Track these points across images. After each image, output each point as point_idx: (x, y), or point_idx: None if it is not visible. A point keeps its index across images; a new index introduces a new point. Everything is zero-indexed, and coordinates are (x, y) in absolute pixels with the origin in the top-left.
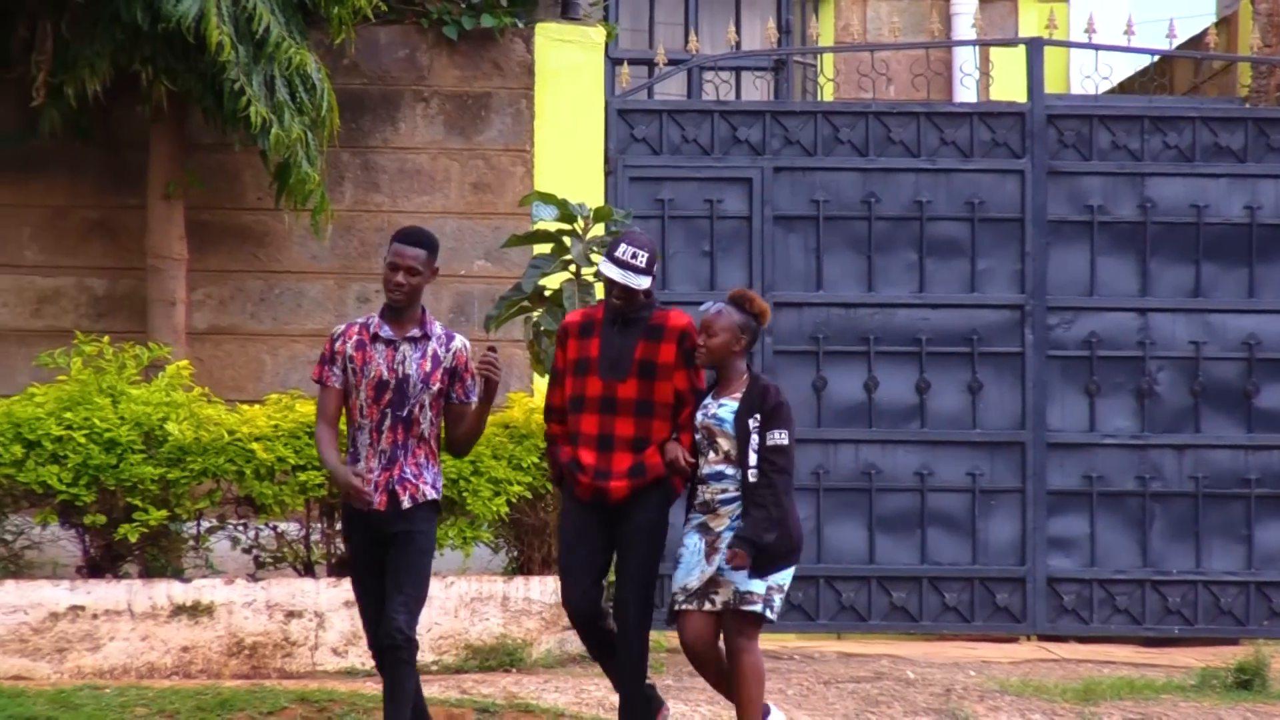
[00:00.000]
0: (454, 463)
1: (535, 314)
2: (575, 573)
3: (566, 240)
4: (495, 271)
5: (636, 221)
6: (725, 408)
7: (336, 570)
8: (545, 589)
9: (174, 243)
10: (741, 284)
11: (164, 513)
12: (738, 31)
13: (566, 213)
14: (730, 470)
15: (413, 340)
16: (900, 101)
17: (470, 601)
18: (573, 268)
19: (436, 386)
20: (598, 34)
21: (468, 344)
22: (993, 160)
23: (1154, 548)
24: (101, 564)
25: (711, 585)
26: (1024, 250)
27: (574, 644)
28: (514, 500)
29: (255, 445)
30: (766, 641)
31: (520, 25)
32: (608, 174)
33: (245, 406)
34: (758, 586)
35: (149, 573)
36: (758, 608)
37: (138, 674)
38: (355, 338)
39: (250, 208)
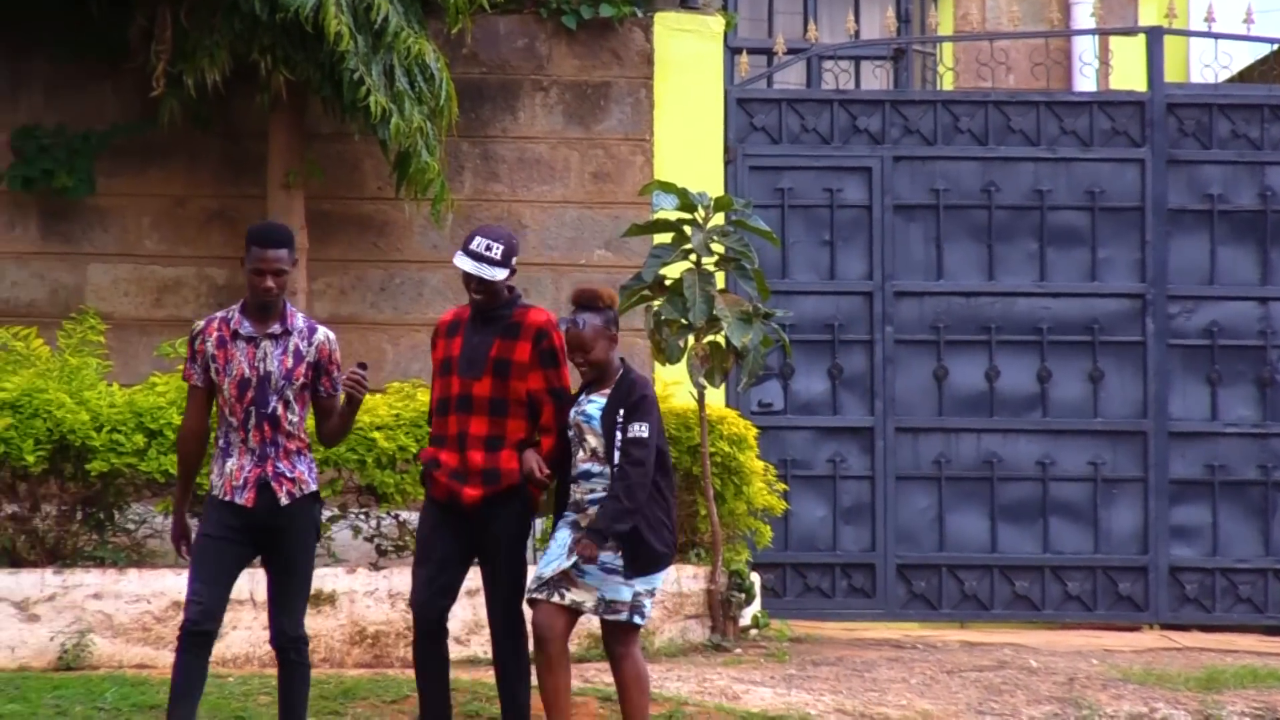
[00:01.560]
0: None
1: (656, 303)
2: (423, 579)
3: (687, 229)
4: (615, 261)
5: (756, 210)
6: (594, 404)
7: None
8: (667, 578)
9: (294, 232)
10: (862, 274)
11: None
12: (857, 20)
13: (687, 202)
14: (597, 468)
15: (273, 336)
16: (1020, 90)
17: None
18: (693, 257)
19: (300, 382)
20: (717, 23)
21: (331, 336)
22: (1112, 149)
23: (1276, 537)
24: None
25: (566, 580)
26: (1144, 239)
27: (696, 633)
28: None
29: (377, 434)
30: (890, 630)
31: (639, 15)
32: (727, 163)
33: (366, 396)
34: (623, 594)
35: None
36: (622, 616)
37: (260, 663)
38: (215, 334)
39: (370, 197)
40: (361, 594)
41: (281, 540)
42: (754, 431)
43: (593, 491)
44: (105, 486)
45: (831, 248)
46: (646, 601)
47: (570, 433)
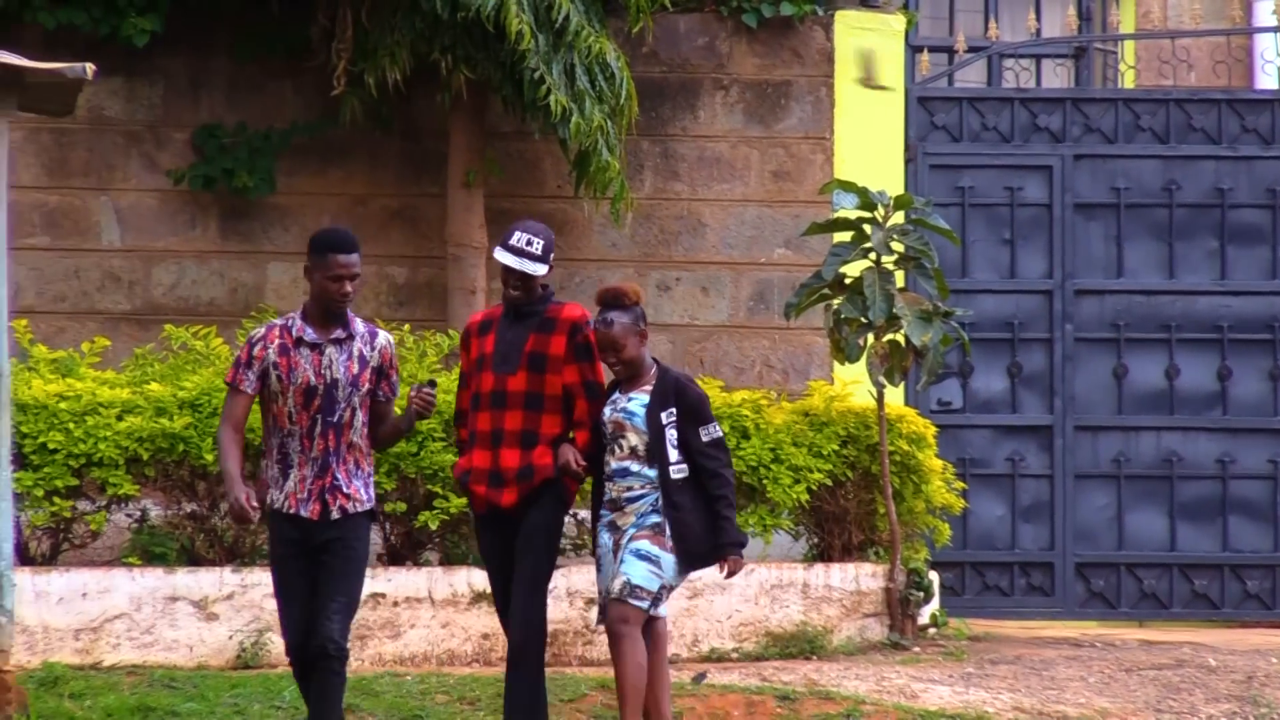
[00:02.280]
0: (754, 449)
1: (836, 302)
2: (503, 602)
3: (867, 228)
4: (795, 259)
5: (936, 209)
6: (635, 401)
7: None
8: (846, 576)
9: (474, 231)
10: (1042, 272)
11: (464, 500)
12: (1038, 19)
13: (867, 200)
14: (637, 467)
15: (338, 342)
16: (1201, 89)
17: (770, 589)
18: (873, 255)
19: (365, 388)
20: (898, 21)
21: (390, 339)
22: None
23: None
24: (402, 552)
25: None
26: None
27: (875, 631)
28: (814, 487)
29: None
30: (1068, 629)
31: (820, 13)
32: (908, 161)
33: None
34: (651, 583)
35: (449, 560)
36: (644, 604)
37: (438, 661)
38: (277, 342)
39: (550, 196)
40: None
41: (332, 550)
42: (933, 430)
43: (630, 490)
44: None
45: (1011, 246)
46: (666, 595)
47: (606, 429)
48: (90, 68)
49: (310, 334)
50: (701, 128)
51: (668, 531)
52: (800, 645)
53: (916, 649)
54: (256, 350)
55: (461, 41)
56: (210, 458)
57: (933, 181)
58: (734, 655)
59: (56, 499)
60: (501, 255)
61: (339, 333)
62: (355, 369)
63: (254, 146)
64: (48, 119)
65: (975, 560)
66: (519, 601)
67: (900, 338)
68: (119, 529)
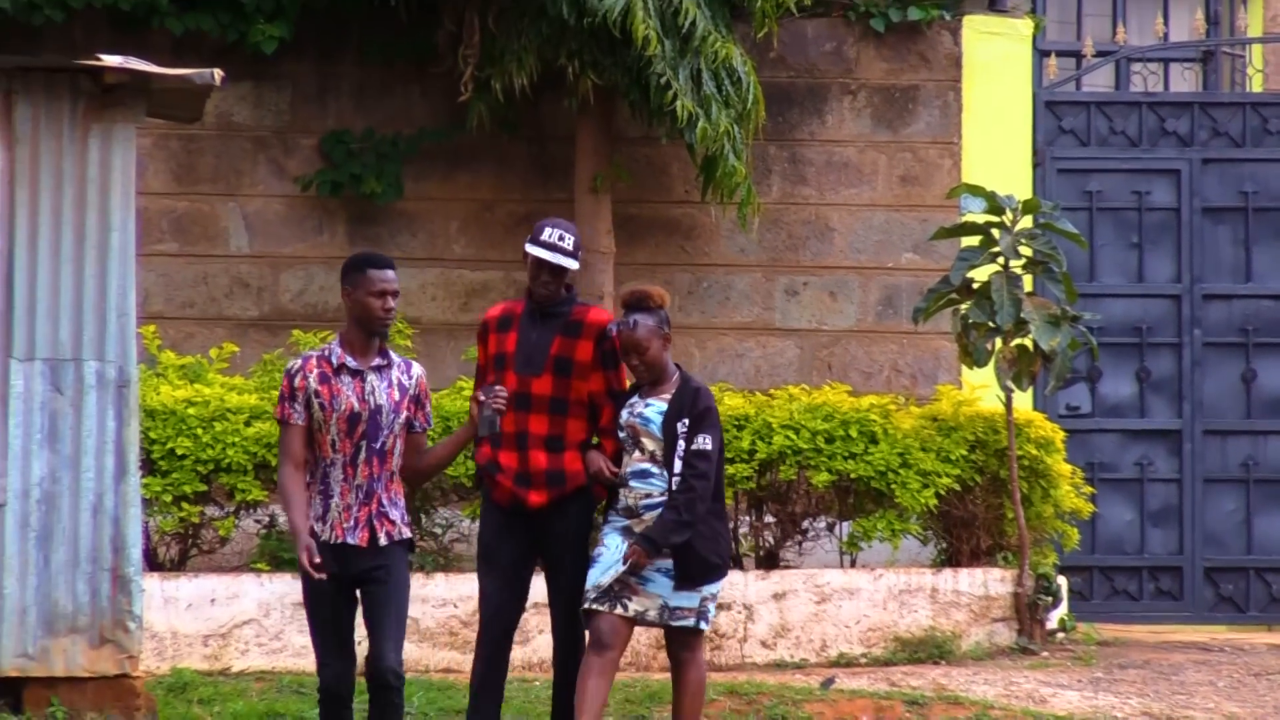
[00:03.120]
0: (882, 454)
1: (963, 306)
2: (493, 589)
3: (995, 232)
4: (923, 264)
5: (1064, 213)
6: (652, 408)
7: (765, 563)
8: (974, 581)
9: (601, 236)
10: (1170, 276)
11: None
12: (1165, 22)
13: (994, 205)
14: (656, 470)
15: (378, 369)
16: None
17: (899, 594)
18: (1001, 260)
19: (404, 415)
20: (1025, 26)
21: (424, 372)
22: None
23: None
24: None
25: (627, 590)
26: None
27: (1003, 636)
28: (942, 492)
29: None
30: (1197, 633)
31: (948, 18)
32: (1035, 166)
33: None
34: (688, 600)
35: None
36: (689, 622)
37: None
38: (317, 371)
39: (677, 201)
40: None
41: (378, 579)
42: (1061, 434)
43: (649, 496)
44: (412, 490)
45: (1139, 250)
46: (711, 606)
47: (621, 434)
48: (218, 74)
49: (352, 361)
50: (829, 132)
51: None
52: (928, 650)
53: (1045, 654)
54: (297, 381)
55: (588, 47)
56: None
57: (1060, 186)
58: (862, 660)
59: (185, 504)
60: (534, 250)
61: (377, 360)
62: (396, 396)
63: (381, 152)
64: (176, 125)
65: (1104, 565)
66: (562, 618)
67: (1028, 342)
68: (247, 534)
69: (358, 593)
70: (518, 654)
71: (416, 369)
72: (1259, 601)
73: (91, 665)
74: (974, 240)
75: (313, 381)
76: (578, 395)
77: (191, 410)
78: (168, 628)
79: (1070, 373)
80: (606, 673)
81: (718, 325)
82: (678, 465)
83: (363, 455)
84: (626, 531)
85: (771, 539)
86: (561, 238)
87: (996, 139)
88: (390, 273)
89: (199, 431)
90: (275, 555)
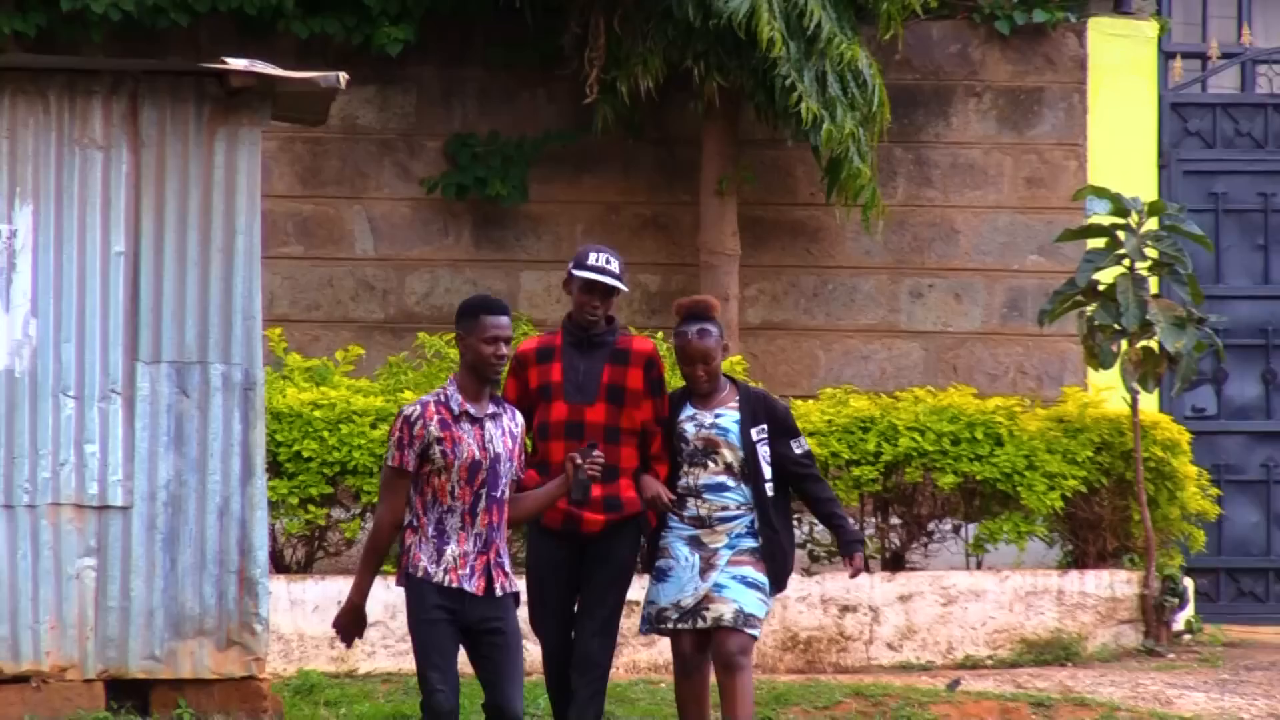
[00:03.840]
0: (1008, 456)
1: (1089, 308)
2: (553, 627)
3: (1120, 234)
4: (1048, 266)
5: (1189, 215)
6: (726, 418)
7: (891, 565)
8: (1100, 583)
9: (727, 238)
10: None
11: None
12: None
13: (1120, 207)
14: (733, 483)
15: (494, 417)
16: None
17: (1025, 596)
18: (1126, 262)
19: (516, 463)
20: (1150, 28)
21: (523, 421)
22: None
23: None
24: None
25: (705, 601)
26: None
27: (1129, 638)
28: (1068, 494)
29: (810, 441)
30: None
31: (1073, 20)
32: (1160, 168)
33: (799, 402)
34: (761, 611)
35: None
36: (756, 631)
37: None
38: (437, 418)
39: (802, 203)
40: (794, 600)
41: (498, 627)
42: (1187, 436)
43: (725, 509)
44: None
45: (1265, 252)
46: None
47: (688, 448)
48: (343, 77)
49: (472, 408)
50: (954, 134)
51: (759, 555)
52: (1055, 652)
53: (1171, 655)
54: (416, 429)
55: (713, 49)
56: None
57: (1185, 187)
58: (988, 662)
59: (311, 507)
60: (583, 273)
61: (492, 408)
62: (510, 444)
63: (506, 155)
64: (301, 128)
65: (1230, 566)
66: (594, 642)
67: (1154, 344)
68: None
69: (464, 640)
70: (643, 656)
71: (519, 416)
72: None
73: (218, 667)
74: (1099, 242)
75: (434, 429)
76: (630, 423)
77: (317, 413)
78: (294, 630)
79: (1196, 375)
80: (704, 693)
81: (843, 327)
82: (767, 471)
83: (482, 504)
84: (694, 542)
85: (897, 541)
86: (608, 261)
87: (1122, 141)
88: (504, 319)
89: (325, 434)
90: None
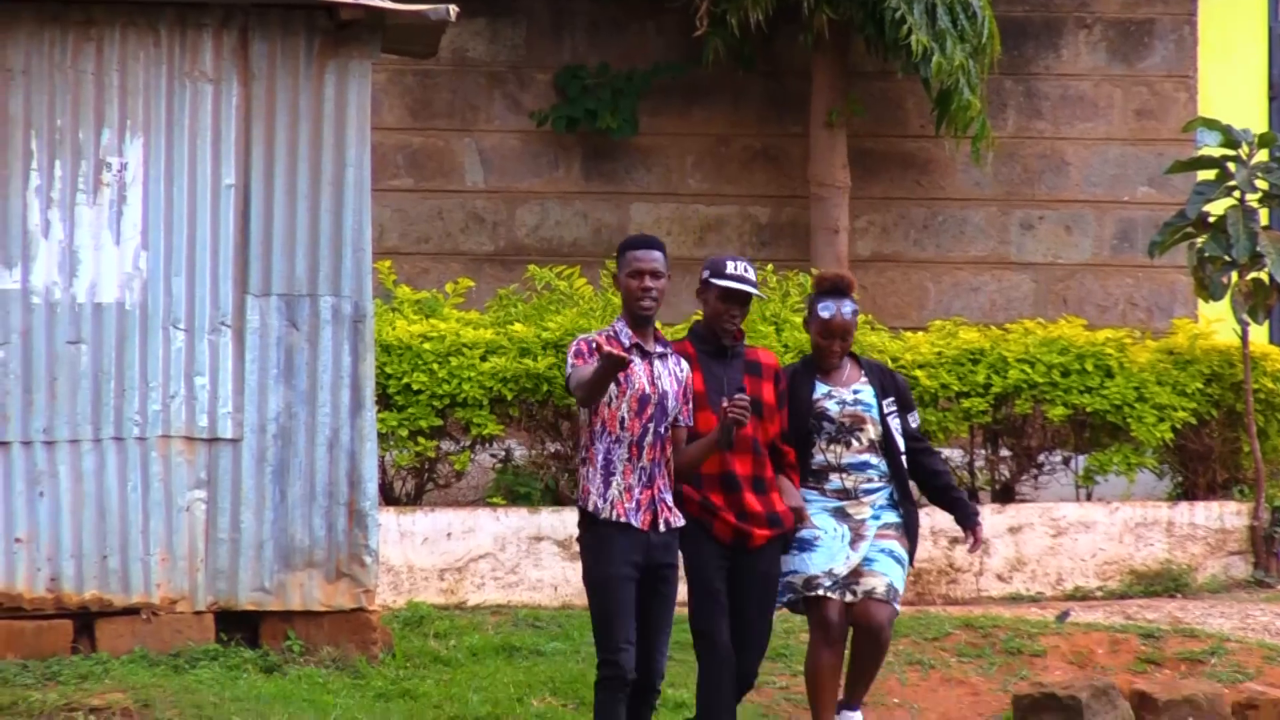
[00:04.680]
0: (1118, 388)
1: (1199, 240)
2: (723, 627)
3: (1231, 166)
4: (1158, 198)
5: None
6: (864, 393)
7: (1000, 497)
8: (1210, 514)
9: (836, 171)
10: None
11: None
12: None
13: (1230, 139)
14: (875, 459)
15: (661, 356)
16: None
17: (1134, 527)
18: (1236, 194)
19: (679, 405)
20: None
21: (689, 369)
22: None
23: None
24: None
25: (854, 575)
26: None
27: (1239, 569)
28: (1178, 425)
29: (919, 372)
30: None
31: None
32: (1271, 99)
33: (908, 334)
34: (903, 585)
35: None
36: (898, 605)
37: None
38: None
39: (912, 135)
40: None
41: (666, 579)
42: None
43: (870, 481)
44: None
45: None
46: None
47: (829, 426)
48: (453, 9)
49: (642, 343)
50: (1064, 66)
51: (901, 529)
52: (1164, 583)
53: None
54: (595, 347)
55: None
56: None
57: None
58: (1097, 594)
59: (421, 439)
60: (723, 282)
61: (658, 348)
62: (675, 386)
63: (616, 87)
64: (411, 60)
65: None
66: (759, 641)
67: (1264, 276)
68: (483, 469)
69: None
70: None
71: (685, 364)
72: None
73: (328, 599)
74: (1209, 174)
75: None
76: (767, 435)
77: (427, 345)
78: (404, 562)
79: None
80: (840, 665)
81: (953, 259)
82: (900, 443)
83: (649, 438)
84: (839, 513)
85: (1007, 473)
86: (745, 269)
87: (1232, 72)
88: (652, 252)
89: (434, 366)
90: (511, 490)
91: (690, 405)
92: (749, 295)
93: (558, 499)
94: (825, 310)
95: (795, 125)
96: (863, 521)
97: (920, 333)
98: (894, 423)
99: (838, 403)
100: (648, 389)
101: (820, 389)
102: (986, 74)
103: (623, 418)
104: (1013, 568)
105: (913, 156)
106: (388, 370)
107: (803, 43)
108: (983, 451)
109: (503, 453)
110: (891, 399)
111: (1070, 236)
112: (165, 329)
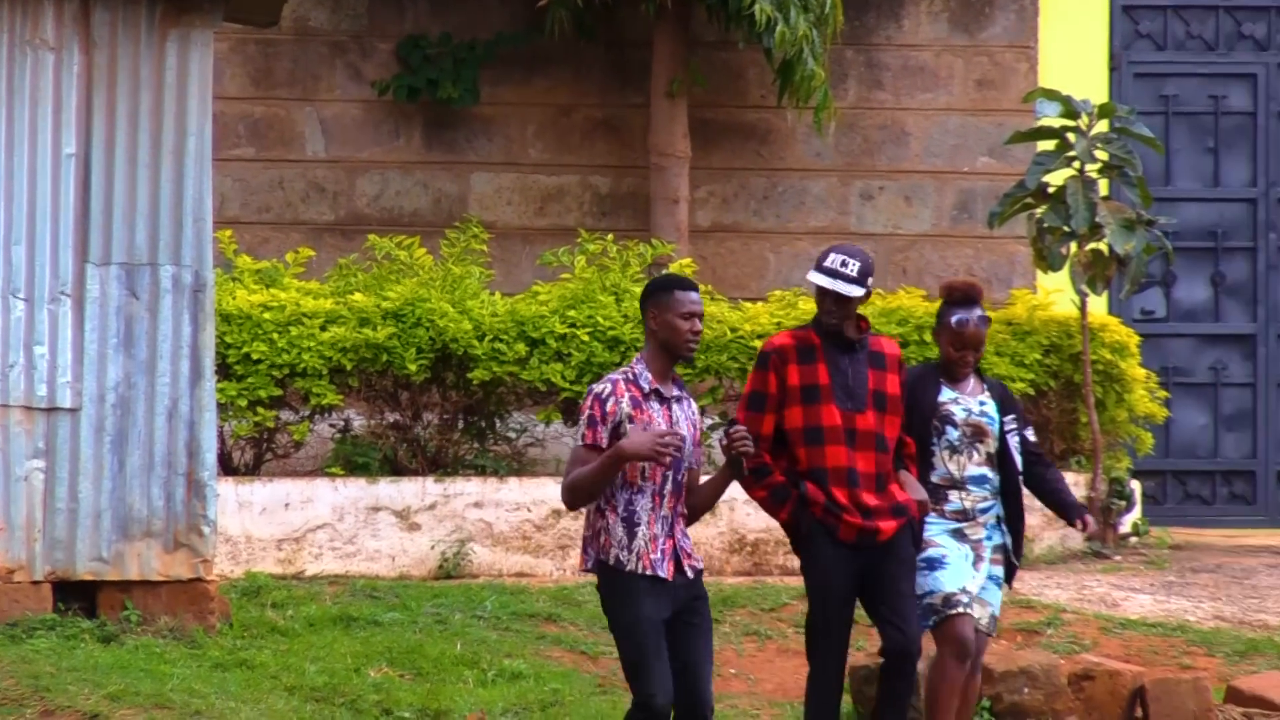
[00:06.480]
0: None
1: (1038, 211)
2: (839, 637)
3: (1071, 136)
4: (998, 168)
5: (1139, 117)
6: (989, 405)
7: None
8: None
9: (677, 141)
10: (1246, 181)
11: None
12: None
13: (1070, 109)
14: (991, 474)
15: (679, 400)
16: None
17: None
18: (1076, 164)
19: (696, 450)
20: None
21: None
22: None
23: None
24: None
25: (974, 599)
26: None
27: (1076, 540)
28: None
29: (758, 343)
30: (1270, 537)
31: None
32: (1111, 70)
33: (748, 304)
34: (999, 609)
35: None
36: (994, 631)
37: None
38: (628, 395)
39: (753, 105)
40: (741, 502)
41: (698, 611)
42: (1136, 339)
43: (985, 500)
44: (486, 395)
45: (1215, 154)
46: None
47: (953, 432)
48: None
49: (661, 388)
50: (906, 36)
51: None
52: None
53: (1118, 558)
54: (609, 406)
55: None
56: (414, 368)
57: (1136, 90)
58: None
59: (260, 409)
60: (815, 276)
61: (676, 391)
62: (692, 430)
63: (458, 57)
64: (253, 29)
65: (1177, 469)
66: (910, 616)
67: (1103, 246)
68: (322, 439)
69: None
70: None
71: (694, 404)
72: None
73: (165, 569)
74: (1050, 144)
75: (625, 406)
76: (892, 431)
77: (267, 315)
78: (242, 532)
79: (1145, 277)
80: (964, 682)
81: (793, 230)
82: (1019, 460)
83: (669, 486)
84: (959, 535)
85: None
86: (845, 263)
87: (1073, 43)
88: (696, 294)
89: (274, 336)
90: (349, 460)
91: (700, 448)
92: (847, 295)
93: (396, 469)
94: (958, 321)
95: (637, 95)
96: (979, 541)
97: (760, 303)
98: (1013, 440)
99: (964, 410)
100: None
101: (947, 393)
102: (829, 44)
103: (644, 468)
104: None
105: (753, 127)
106: (227, 340)
107: (645, 12)
108: None
109: (342, 423)
110: (1012, 415)
111: (910, 207)
112: (4, 298)
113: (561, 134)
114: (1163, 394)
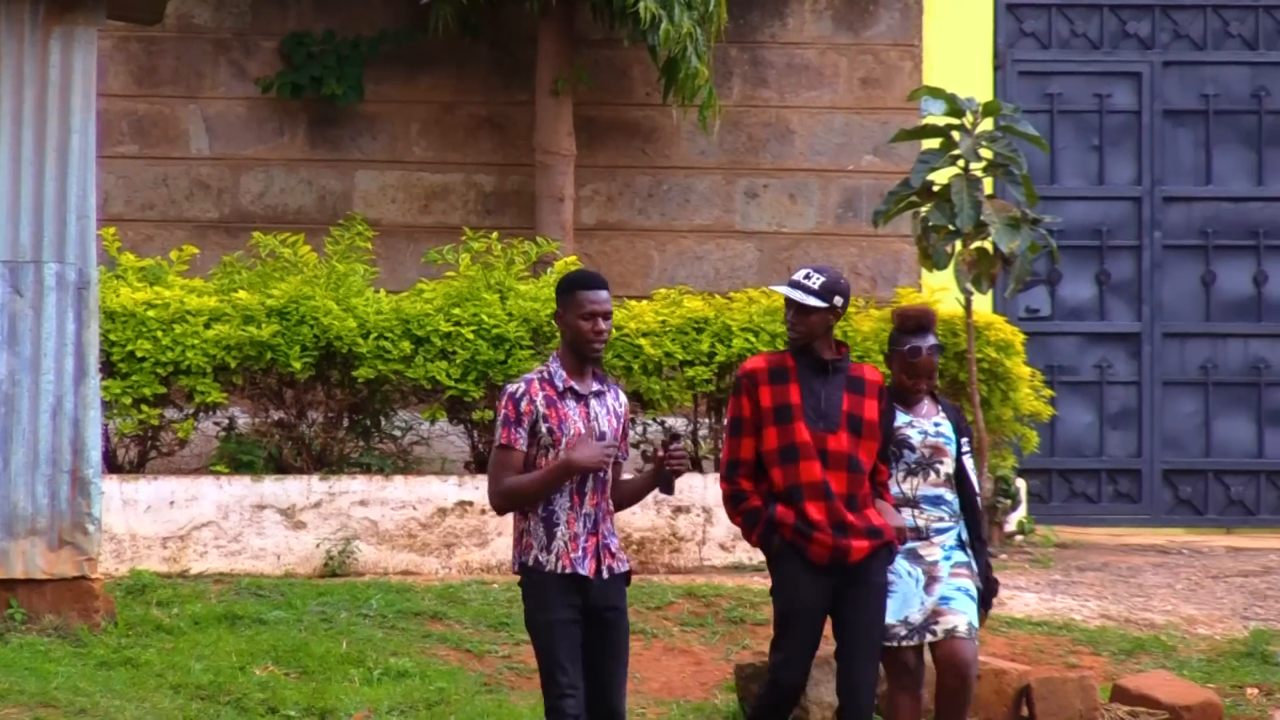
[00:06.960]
0: None
1: (923, 209)
2: (799, 653)
3: (955, 135)
4: (883, 166)
5: (1024, 116)
6: (944, 427)
7: None
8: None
9: (562, 139)
10: (1130, 179)
11: None
12: None
13: (955, 107)
14: (950, 495)
15: (598, 395)
16: None
17: None
18: (961, 163)
19: (621, 443)
20: None
21: (626, 400)
22: None
23: None
24: (488, 459)
25: (934, 616)
26: None
27: None
28: None
29: (643, 341)
30: (1155, 535)
31: None
32: (996, 68)
33: (633, 302)
34: (977, 620)
35: None
36: (976, 643)
37: None
38: (542, 394)
39: (638, 103)
40: None
41: (612, 620)
42: (1021, 337)
43: (942, 520)
44: (371, 393)
45: (1100, 153)
46: None
47: (910, 455)
48: None
49: (576, 385)
50: (790, 35)
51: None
52: None
53: (1003, 556)
54: (523, 406)
55: None
56: (298, 365)
57: (1021, 88)
58: None
59: (144, 407)
60: (777, 287)
61: (596, 386)
62: (614, 423)
63: (342, 54)
64: (137, 27)
65: (1062, 468)
66: (867, 666)
67: (988, 245)
68: (206, 437)
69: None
70: (476, 557)
71: (623, 395)
72: (1217, 504)
73: (50, 567)
74: (934, 143)
75: (540, 405)
76: (867, 455)
77: (151, 313)
78: (126, 530)
79: (1030, 275)
80: (919, 709)
81: (678, 228)
82: (976, 482)
83: (589, 484)
84: (912, 555)
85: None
86: (808, 275)
87: (957, 41)
88: (602, 293)
89: (159, 334)
90: (234, 458)
91: (628, 441)
92: (799, 304)
93: (281, 467)
94: (911, 349)
95: (521, 93)
96: (935, 563)
97: (645, 301)
98: (969, 462)
99: (920, 432)
100: (584, 433)
101: (903, 418)
102: (713, 42)
103: None
104: (736, 537)
105: (638, 125)
106: (112, 338)
107: (530, 10)
108: (707, 420)
109: (226, 421)
110: (966, 440)
111: (795, 205)
112: None
113: (446, 132)
114: (1048, 392)
